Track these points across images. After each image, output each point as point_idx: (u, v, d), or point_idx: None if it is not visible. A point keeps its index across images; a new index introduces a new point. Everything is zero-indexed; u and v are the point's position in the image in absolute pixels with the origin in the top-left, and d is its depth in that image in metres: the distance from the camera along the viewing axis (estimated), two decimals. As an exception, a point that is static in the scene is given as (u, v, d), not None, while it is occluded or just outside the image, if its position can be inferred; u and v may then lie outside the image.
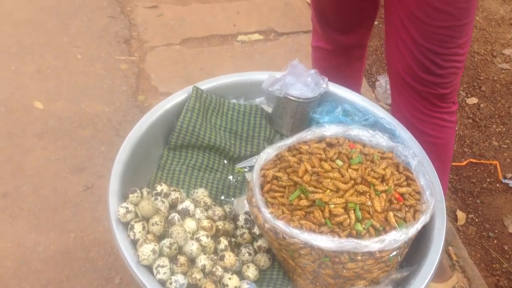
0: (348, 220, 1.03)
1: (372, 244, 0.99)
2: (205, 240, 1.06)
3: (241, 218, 1.16)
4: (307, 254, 1.03)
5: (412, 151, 1.16)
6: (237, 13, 2.77)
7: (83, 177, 1.85)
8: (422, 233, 1.07)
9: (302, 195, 1.06)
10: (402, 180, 1.11)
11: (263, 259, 1.10)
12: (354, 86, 1.75)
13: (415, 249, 1.10)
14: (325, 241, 0.98)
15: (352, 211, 1.04)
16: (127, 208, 1.01)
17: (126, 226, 1.01)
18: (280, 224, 1.02)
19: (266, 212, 1.05)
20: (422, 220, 1.04)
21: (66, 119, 2.05)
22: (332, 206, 1.04)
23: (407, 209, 1.08)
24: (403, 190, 1.09)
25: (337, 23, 1.57)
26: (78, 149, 1.95)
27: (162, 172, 1.24)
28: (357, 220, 1.04)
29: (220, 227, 1.12)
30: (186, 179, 1.23)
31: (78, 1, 2.64)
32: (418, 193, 1.12)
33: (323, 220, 1.03)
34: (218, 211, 1.14)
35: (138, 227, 1.00)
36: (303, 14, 2.78)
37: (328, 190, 1.06)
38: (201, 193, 1.18)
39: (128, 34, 2.53)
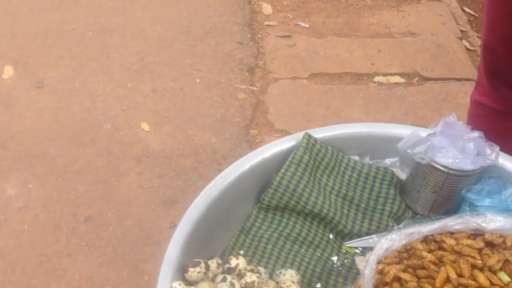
0: None
1: None
2: None
3: (339, 325, 0.81)
4: None
5: None
6: (377, 51, 2.43)
7: (172, 212, 1.64)
8: None
9: (438, 318, 0.69)
10: None
11: None
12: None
13: None
14: None
15: None
16: (177, 289, 0.72)
17: (172, 314, 0.72)
18: None
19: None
20: None
21: (169, 146, 1.87)
22: None
23: None
24: None
25: None
26: (174, 180, 1.75)
27: (245, 237, 0.94)
28: None
29: (307, 335, 0.78)
30: (274, 252, 0.91)
31: (210, 24, 2.52)
32: None
33: None
34: (309, 309, 0.80)
35: (186, 320, 0.70)
36: (459, 59, 2.35)
37: (482, 320, 0.67)
38: (288, 277, 0.85)
39: (254, 62, 2.33)
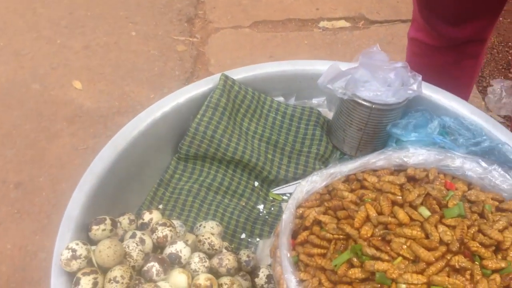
0: (429, 317, 0.61)
1: None
2: (194, 309, 0.68)
3: (262, 273, 0.77)
4: None
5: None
6: (322, -5, 2.35)
7: (109, 173, 1.55)
8: None
9: (355, 259, 0.65)
10: (532, 252, 0.66)
11: None
12: (462, 92, 1.27)
13: None
14: None
15: (439, 302, 0.61)
16: (74, 251, 0.65)
17: (72, 278, 0.66)
18: (311, 307, 0.62)
19: (291, 280, 0.65)
20: None
21: (104, 103, 1.77)
22: (403, 287, 0.62)
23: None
24: (532, 271, 0.65)
25: (448, 12, 1.11)
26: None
27: (164, 190, 0.88)
28: (446, 318, 0.61)
29: (225, 287, 0.73)
30: (195, 205, 0.86)
31: (146, -26, 2.37)
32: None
33: (385, 311, 0.61)
34: (228, 260, 0.75)
35: (86, 283, 0.64)
36: (404, 0, 2.29)
37: (400, 258, 0.64)
38: (208, 229, 0.80)
39: (193, 12, 2.21)
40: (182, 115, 0.87)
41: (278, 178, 0.89)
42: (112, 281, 0.64)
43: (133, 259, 0.68)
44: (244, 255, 0.79)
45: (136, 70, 1.90)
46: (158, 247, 0.74)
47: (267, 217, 0.87)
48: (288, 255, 0.67)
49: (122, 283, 0.64)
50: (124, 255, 0.68)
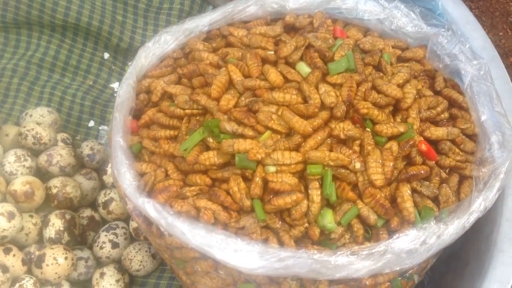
0: (304, 205, 0.45)
1: (356, 263, 0.43)
2: (3, 225, 0.50)
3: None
4: (209, 273, 0.48)
5: (468, 45, 0.54)
6: None
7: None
8: (475, 229, 0.49)
9: (210, 139, 0.48)
10: (439, 110, 0.51)
11: (139, 256, 0.56)
12: None
13: (457, 259, 0.53)
14: (247, 253, 0.42)
15: (317, 184, 0.46)
16: None
17: None
18: (151, 208, 0.45)
19: (128, 173, 0.47)
20: (478, 203, 0.47)
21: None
22: (272, 169, 0.46)
23: (444, 175, 0.50)
24: (439, 133, 0.50)
25: None
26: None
27: (-19, 73, 0.66)
28: (327, 204, 0.46)
29: (55, 191, 0.55)
30: (23, 88, 0.65)
31: None
32: (472, 139, 0.52)
33: (247, 202, 0.45)
34: (61, 155, 0.57)
35: None
36: None
37: (269, 133, 0.48)
38: (37, 117, 0.61)
39: None
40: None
41: (133, 45, 0.69)
42: None
43: None
44: (86, 148, 0.60)
45: None
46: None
47: (123, 97, 0.68)
48: (122, 142, 0.49)
49: None
50: None
